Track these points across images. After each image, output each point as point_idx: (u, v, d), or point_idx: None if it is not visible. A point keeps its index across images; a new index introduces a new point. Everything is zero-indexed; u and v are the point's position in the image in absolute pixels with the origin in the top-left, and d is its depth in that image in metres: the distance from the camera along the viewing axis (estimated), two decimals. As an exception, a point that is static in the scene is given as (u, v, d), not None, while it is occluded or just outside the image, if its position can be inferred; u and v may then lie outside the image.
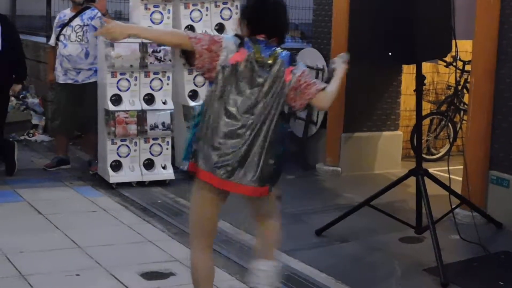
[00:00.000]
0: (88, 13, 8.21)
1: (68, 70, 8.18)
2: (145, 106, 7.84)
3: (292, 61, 4.20)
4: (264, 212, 4.47)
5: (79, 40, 8.12)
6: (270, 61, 4.14)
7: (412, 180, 6.11)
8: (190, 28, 8.20)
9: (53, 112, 8.82)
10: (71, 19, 8.20)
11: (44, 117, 10.46)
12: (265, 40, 4.20)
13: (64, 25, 8.22)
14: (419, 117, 6.22)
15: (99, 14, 8.19)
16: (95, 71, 8.15)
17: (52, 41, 8.48)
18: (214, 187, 4.17)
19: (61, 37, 8.21)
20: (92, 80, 8.16)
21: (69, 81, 8.22)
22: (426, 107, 9.48)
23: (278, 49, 4.20)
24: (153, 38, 4.36)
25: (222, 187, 4.16)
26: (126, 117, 7.73)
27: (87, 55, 8.14)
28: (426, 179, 6.02)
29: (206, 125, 4.10)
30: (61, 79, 8.27)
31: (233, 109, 4.07)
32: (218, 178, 4.11)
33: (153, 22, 7.89)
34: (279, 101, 4.13)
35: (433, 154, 9.59)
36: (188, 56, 4.20)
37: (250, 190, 4.14)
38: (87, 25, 8.14)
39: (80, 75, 8.18)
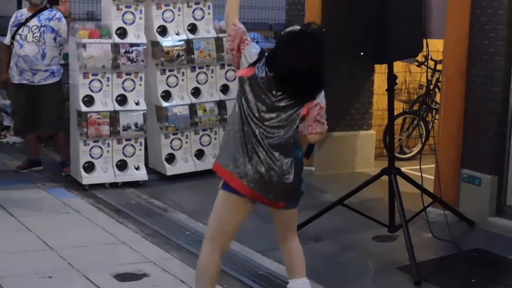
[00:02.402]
0: (46, 13, 8.11)
1: (23, 70, 8.07)
2: (118, 107, 7.81)
3: None
4: (290, 227, 4.54)
5: (36, 41, 8.02)
6: None
7: (385, 179, 6.14)
8: (163, 28, 8.19)
9: (12, 113, 8.74)
10: (27, 19, 8.11)
11: (14, 119, 10.36)
12: None
13: (20, 25, 8.13)
14: (391, 116, 6.25)
15: (58, 15, 8.09)
16: (52, 72, 8.07)
17: (7, 40, 8.35)
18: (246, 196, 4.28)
19: (17, 37, 8.10)
20: (49, 82, 8.07)
21: (24, 82, 8.11)
22: (399, 107, 9.53)
23: None
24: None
25: (253, 198, 4.27)
26: (98, 118, 7.70)
27: (43, 56, 8.03)
28: (399, 178, 6.05)
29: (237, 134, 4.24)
30: (16, 79, 8.17)
31: (253, 123, 4.20)
32: (250, 189, 4.22)
33: (125, 23, 7.86)
34: (292, 125, 4.23)
35: (405, 153, 9.65)
36: None
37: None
38: (45, 26, 8.04)
39: (36, 76, 8.07)
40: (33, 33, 8.02)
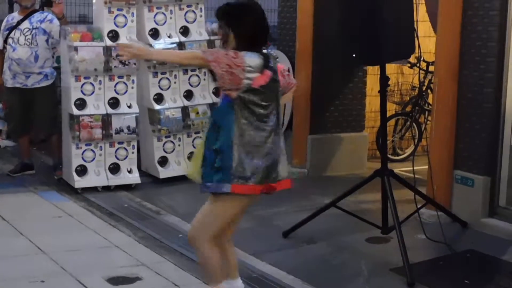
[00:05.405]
0: (37, 16, 8.12)
1: (17, 74, 8.07)
2: (110, 110, 7.79)
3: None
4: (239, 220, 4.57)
5: (28, 43, 8.02)
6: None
7: (378, 180, 6.13)
8: (155, 31, 8.17)
9: (5, 116, 8.75)
10: (19, 22, 8.11)
11: (7, 123, 10.33)
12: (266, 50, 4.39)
13: (12, 28, 8.12)
14: (384, 118, 6.25)
15: (50, 17, 8.10)
16: (45, 75, 8.08)
17: None
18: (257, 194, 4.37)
19: (9, 40, 8.11)
20: (42, 84, 8.08)
21: (18, 85, 8.12)
22: (391, 108, 9.54)
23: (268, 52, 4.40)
24: (176, 62, 4.60)
25: (269, 190, 4.41)
26: (90, 121, 7.68)
27: (36, 58, 8.02)
28: (392, 180, 6.05)
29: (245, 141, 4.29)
30: (9, 83, 8.18)
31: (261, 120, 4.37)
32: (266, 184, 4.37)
33: (117, 26, 7.84)
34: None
35: (398, 155, 9.64)
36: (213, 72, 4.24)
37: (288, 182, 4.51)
38: (37, 28, 8.03)
39: (29, 79, 8.07)
40: (25, 36, 8.01)
